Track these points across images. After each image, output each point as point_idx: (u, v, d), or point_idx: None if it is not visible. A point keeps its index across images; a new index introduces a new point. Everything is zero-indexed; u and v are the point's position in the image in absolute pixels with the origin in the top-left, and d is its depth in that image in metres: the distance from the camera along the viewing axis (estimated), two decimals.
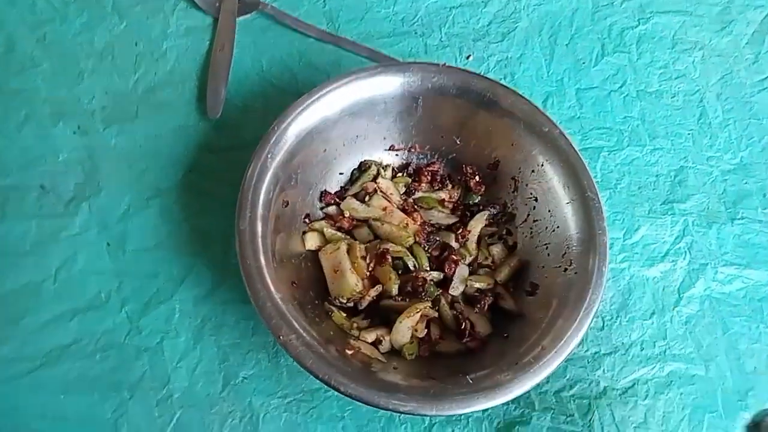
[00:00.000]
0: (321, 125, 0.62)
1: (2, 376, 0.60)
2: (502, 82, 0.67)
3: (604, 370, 0.65)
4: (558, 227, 0.62)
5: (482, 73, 0.66)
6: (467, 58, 0.80)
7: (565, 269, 0.59)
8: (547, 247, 0.63)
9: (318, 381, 0.51)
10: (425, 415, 0.51)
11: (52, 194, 0.67)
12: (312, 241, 0.64)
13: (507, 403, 0.62)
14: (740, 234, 0.73)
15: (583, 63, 0.81)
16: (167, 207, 0.68)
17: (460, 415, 0.60)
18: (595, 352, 0.66)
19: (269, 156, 0.59)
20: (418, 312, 0.60)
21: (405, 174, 0.70)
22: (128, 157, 0.70)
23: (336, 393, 0.51)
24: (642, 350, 0.67)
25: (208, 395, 0.61)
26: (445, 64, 0.65)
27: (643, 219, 0.73)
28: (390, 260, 0.61)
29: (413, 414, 0.51)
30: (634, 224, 0.73)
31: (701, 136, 0.78)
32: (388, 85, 0.64)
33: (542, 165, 0.64)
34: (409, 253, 0.63)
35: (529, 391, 0.53)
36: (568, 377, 0.64)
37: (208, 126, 0.72)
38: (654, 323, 0.68)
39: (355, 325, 0.60)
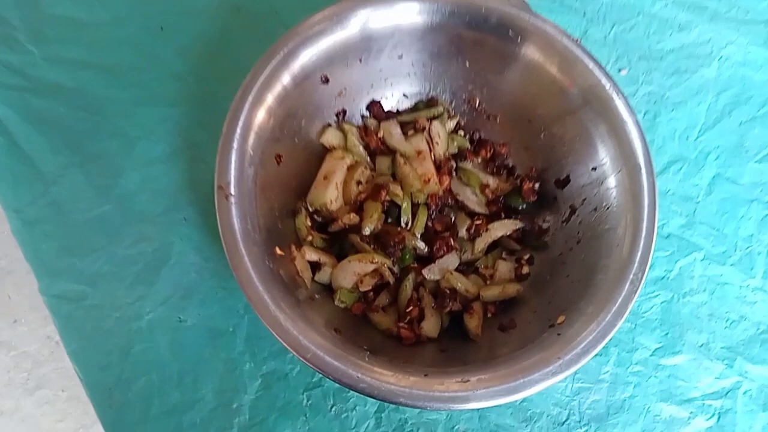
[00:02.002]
0: (405, 27, 0.53)
1: None
2: (638, 116, 0.54)
3: None
4: (578, 283, 0.50)
5: (619, 86, 0.53)
6: (620, 71, 0.67)
7: (552, 325, 0.48)
8: (550, 301, 0.51)
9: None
10: (302, 359, 0.43)
11: None
12: (330, 137, 0.56)
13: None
14: None
15: (746, 151, 0.65)
16: None
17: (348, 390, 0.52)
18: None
19: (339, 27, 0.51)
20: (374, 263, 0.51)
21: (468, 137, 0.60)
22: None
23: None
24: None
25: (144, 210, 0.57)
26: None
27: (689, 348, 0.58)
28: (384, 199, 0.53)
29: (294, 352, 0.43)
30: (675, 346, 0.58)
31: None
32: (496, 24, 0.53)
33: (607, 210, 0.51)
34: (409, 208, 0.54)
35: None
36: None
37: None
38: None
39: (310, 238, 0.53)
